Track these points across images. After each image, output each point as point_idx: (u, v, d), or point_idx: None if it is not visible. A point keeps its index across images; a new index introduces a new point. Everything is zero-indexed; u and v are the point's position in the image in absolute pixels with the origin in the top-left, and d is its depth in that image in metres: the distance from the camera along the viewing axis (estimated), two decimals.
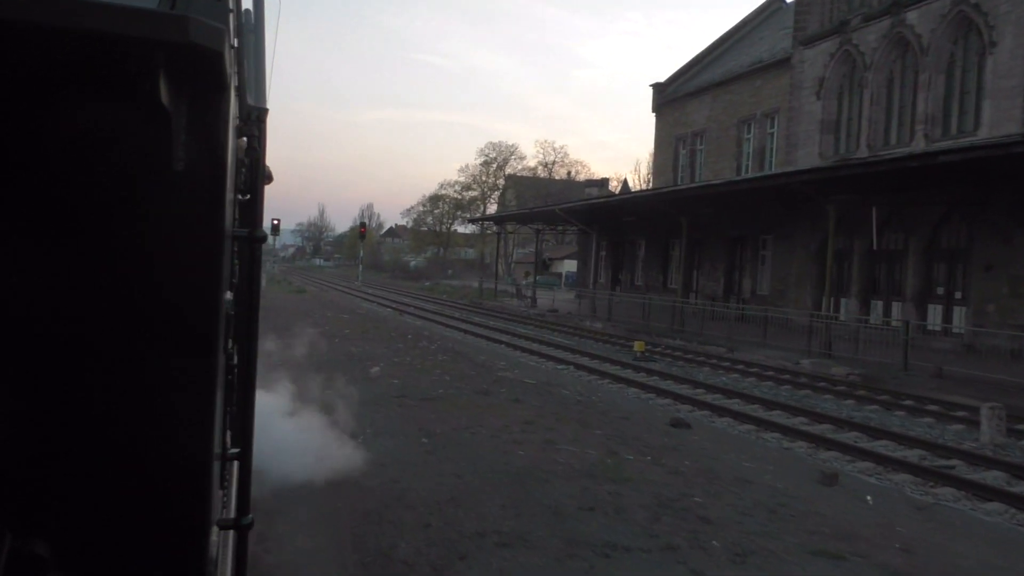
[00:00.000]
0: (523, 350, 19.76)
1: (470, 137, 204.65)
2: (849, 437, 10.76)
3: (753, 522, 6.07)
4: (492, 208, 78.07)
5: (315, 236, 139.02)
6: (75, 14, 1.04)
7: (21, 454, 1.23)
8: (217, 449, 1.56)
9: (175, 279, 1.31)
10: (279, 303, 29.57)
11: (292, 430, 8.11)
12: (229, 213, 1.50)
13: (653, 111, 41.44)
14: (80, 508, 1.26)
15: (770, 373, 17.18)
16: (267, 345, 16.25)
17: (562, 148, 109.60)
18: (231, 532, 2.10)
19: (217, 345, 1.38)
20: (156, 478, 1.30)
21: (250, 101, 2.21)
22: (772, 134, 32.38)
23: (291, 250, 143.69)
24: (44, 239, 1.24)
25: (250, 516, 2.04)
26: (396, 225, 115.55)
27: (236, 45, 1.93)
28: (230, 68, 1.28)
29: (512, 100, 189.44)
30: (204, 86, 1.24)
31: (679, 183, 36.65)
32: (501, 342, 21.42)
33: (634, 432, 9.59)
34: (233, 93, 1.52)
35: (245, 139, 2.13)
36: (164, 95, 1.17)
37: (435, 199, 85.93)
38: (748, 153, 34.00)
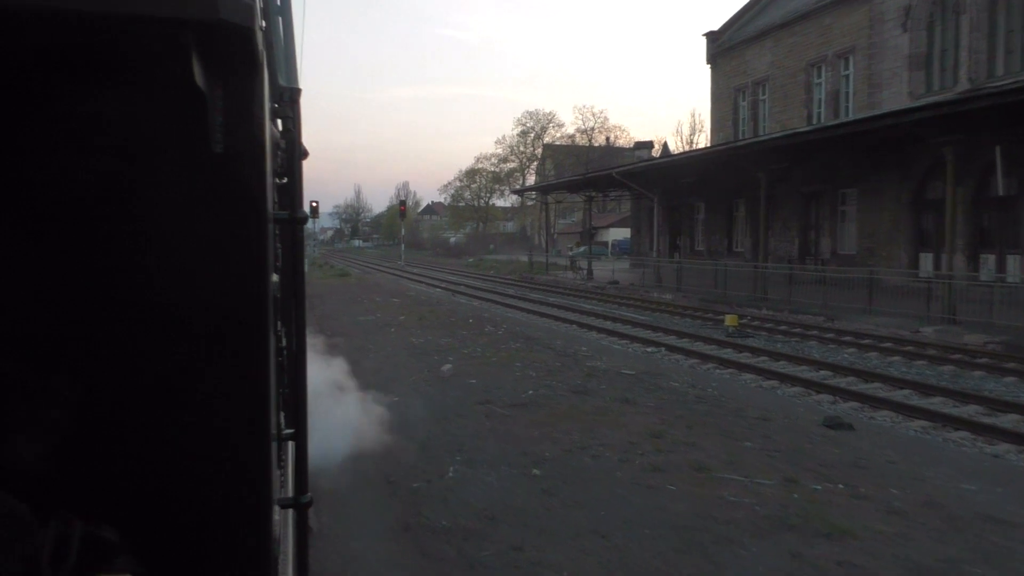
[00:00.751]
0: (599, 330, 17.67)
1: (500, 110, 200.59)
2: None
3: None
4: (531, 179, 75.59)
5: (353, 217, 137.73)
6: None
7: (86, 447, 1.24)
8: (272, 431, 1.57)
9: (223, 263, 1.27)
10: (323, 289, 27.91)
11: (365, 466, 6.21)
12: (270, 195, 1.48)
13: (707, 62, 38.37)
14: (145, 495, 1.26)
15: (888, 345, 14.88)
16: (317, 340, 14.47)
17: (602, 112, 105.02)
18: (290, 511, 2.15)
19: (268, 328, 1.34)
20: (217, 462, 1.27)
21: (282, 82, 2.20)
22: (847, 76, 29.28)
23: (330, 232, 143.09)
24: (90, 231, 1.22)
25: (308, 495, 2.08)
26: (433, 202, 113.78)
27: (265, 24, 1.74)
28: (261, 46, 1.24)
29: (539, 70, 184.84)
30: (237, 65, 1.21)
31: (740, 137, 33.81)
32: (571, 322, 19.34)
33: (790, 441, 7.50)
34: (266, 73, 1.43)
35: (280, 120, 2.14)
36: (198, 76, 1.13)
37: (472, 173, 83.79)
38: (819, 99, 30.94)
